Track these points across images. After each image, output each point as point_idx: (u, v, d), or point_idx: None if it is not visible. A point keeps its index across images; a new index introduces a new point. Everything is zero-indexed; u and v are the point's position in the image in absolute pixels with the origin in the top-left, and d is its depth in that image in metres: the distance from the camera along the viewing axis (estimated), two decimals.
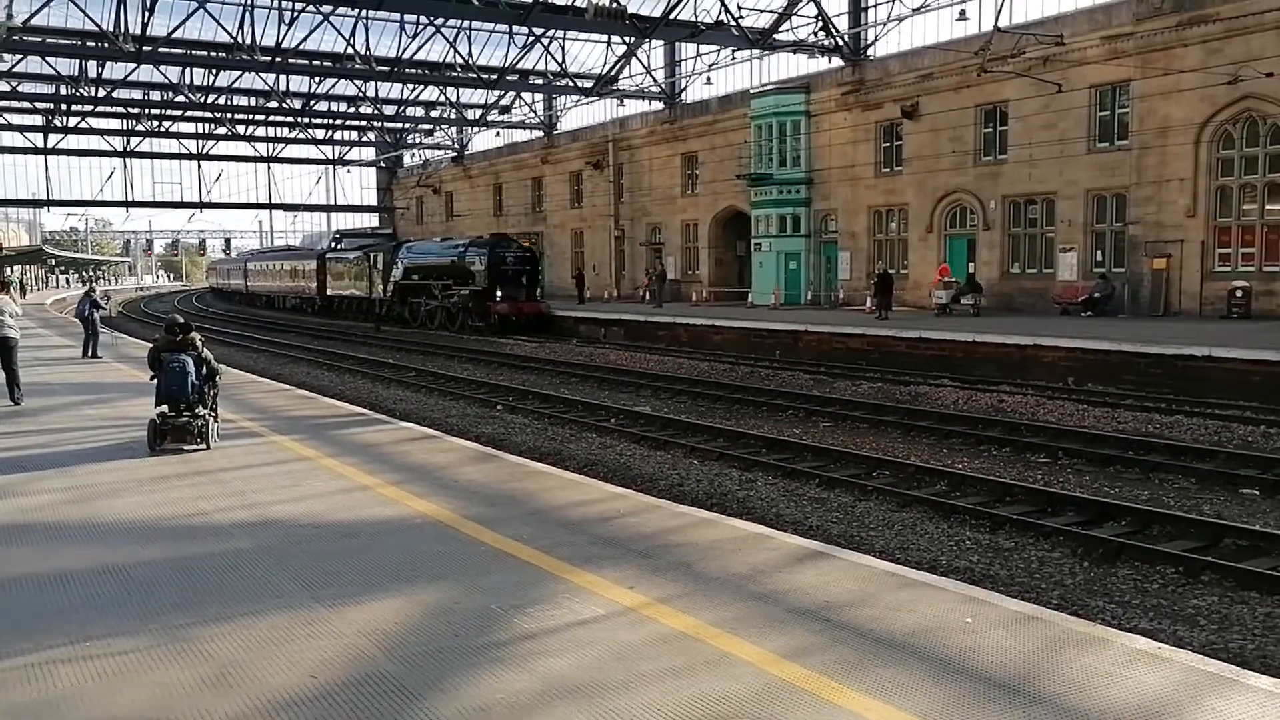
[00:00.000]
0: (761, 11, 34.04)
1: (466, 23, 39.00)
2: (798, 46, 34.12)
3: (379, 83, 47.35)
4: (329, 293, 50.25)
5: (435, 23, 37.49)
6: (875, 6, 34.60)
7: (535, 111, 52.54)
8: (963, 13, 27.47)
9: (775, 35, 33.86)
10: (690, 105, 43.67)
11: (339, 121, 58.24)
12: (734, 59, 38.04)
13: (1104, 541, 8.93)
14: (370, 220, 76.00)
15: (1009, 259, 31.00)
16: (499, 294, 34.93)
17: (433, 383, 22.59)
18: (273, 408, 14.85)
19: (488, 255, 35.78)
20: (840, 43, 34.17)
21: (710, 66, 38.58)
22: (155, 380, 11.21)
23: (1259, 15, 23.48)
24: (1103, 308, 26.85)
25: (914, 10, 29.96)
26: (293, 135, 61.46)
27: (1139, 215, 27.14)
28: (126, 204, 65.39)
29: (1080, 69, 27.22)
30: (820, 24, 33.01)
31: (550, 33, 39.07)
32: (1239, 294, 24.53)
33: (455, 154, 62.80)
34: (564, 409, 18.05)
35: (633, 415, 16.98)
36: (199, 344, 11.30)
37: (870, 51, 34.99)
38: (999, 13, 22.14)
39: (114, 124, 57.60)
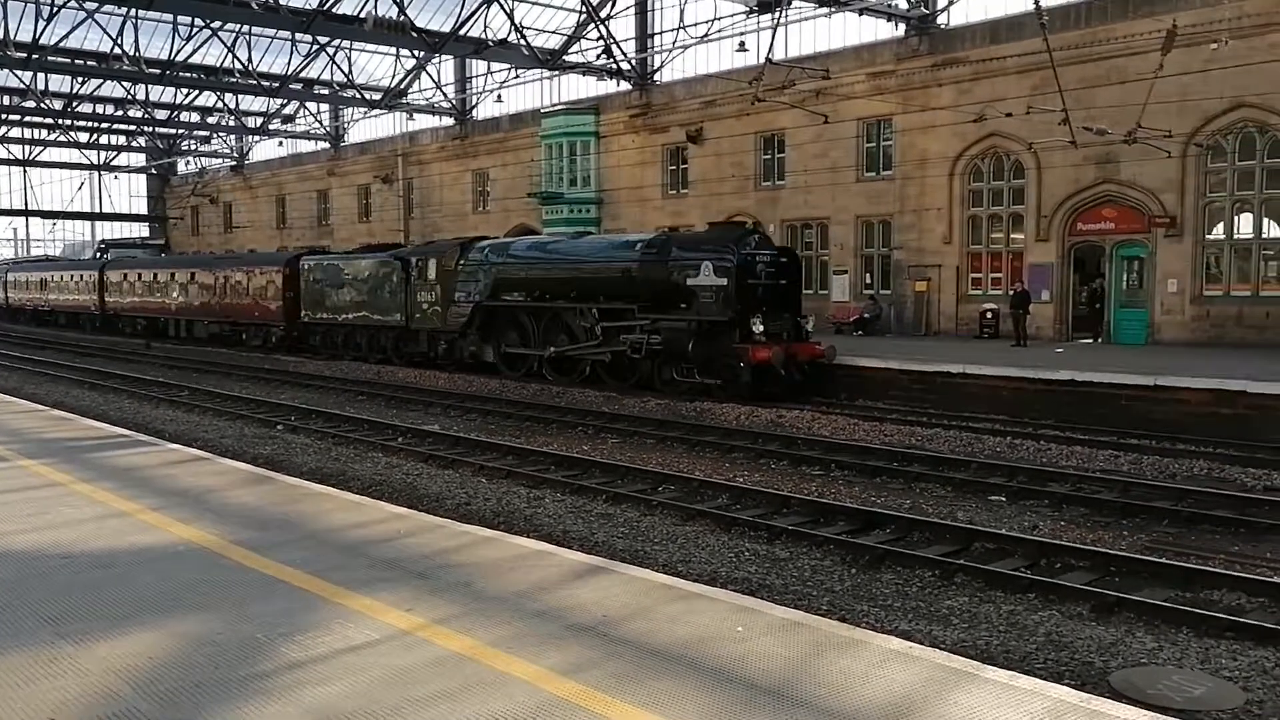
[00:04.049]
0: (551, 33, 34.40)
1: (246, 27, 37.40)
2: (586, 69, 34.65)
3: (150, 85, 44.66)
4: (307, 318, 32.60)
5: (211, 25, 35.76)
6: (661, 34, 35.58)
7: (321, 122, 50.92)
8: (742, 44, 28.66)
9: (565, 57, 34.23)
10: (481, 122, 43.50)
11: (105, 125, 54.51)
12: (518, 77, 38.01)
13: (870, 549, 9.42)
14: (140, 230, 71.42)
15: None
16: (759, 327, 20.02)
17: (207, 402, 21.45)
18: (22, 430, 13.69)
19: (732, 258, 20.14)
20: (628, 67, 34.92)
21: (501, 84, 38.57)
22: None
23: (1001, 60, 25.68)
24: (872, 327, 28.55)
25: (698, 39, 30.99)
26: (53, 138, 57.04)
27: (902, 241, 29.06)
28: None
29: (849, 103, 28.93)
30: (604, 49, 33.60)
31: (336, 42, 37.99)
32: (989, 316, 26.72)
33: (234, 163, 60.01)
34: (349, 428, 17.54)
35: (421, 434, 16.71)
36: None
37: (657, 77, 35.94)
38: (771, 46, 23.34)
39: None
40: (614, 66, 34.34)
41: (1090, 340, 25.79)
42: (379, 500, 10.04)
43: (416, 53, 37.64)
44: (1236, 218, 23.93)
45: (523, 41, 32.49)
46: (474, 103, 43.59)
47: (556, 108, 38.99)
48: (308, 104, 48.62)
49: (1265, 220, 23.46)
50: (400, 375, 25.87)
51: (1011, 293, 25.59)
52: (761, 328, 19.95)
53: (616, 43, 33.91)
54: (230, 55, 38.40)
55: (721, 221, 24.23)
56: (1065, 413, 17.38)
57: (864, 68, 29.32)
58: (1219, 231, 24.10)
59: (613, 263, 22.57)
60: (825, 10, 28.74)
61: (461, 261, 26.27)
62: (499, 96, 39.46)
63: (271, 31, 38.04)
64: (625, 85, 36.11)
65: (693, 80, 34.39)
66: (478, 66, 40.92)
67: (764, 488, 12.17)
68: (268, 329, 34.80)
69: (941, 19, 28.52)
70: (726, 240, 20.86)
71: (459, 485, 12.73)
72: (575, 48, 34.45)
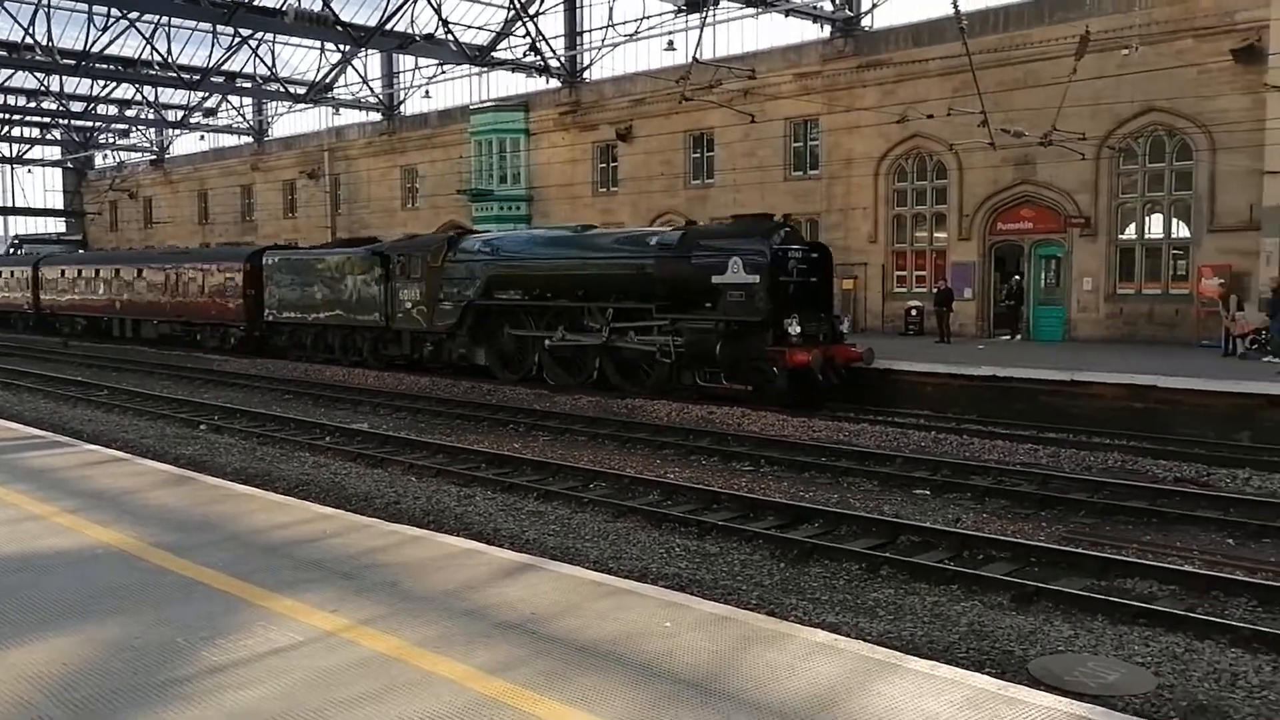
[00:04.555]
0: (479, 29, 34.19)
1: (164, 18, 36.43)
2: (515, 66, 34.49)
3: (64, 77, 43.26)
4: (271, 317, 30.29)
5: (128, 16, 34.79)
6: (590, 31, 35.58)
7: (244, 116, 49.88)
8: (670, 43, 28.79)
9: (493, 53, 34.02)
10: (410, 118, 43.07)
11: (17, 117, 52.72)
12: (444, 72, 37.70)
13: (799, 543, 9.54)
14: (56, 225, 69.27)
15: None
16: (795, 329, 18.40)
17: (127, 401, 20.92)
18: None
19: (765, 254, 18.51)
20: (556, 64, 34.84)
21: (429, 79, 38.19)
22: None
23: (924, 63, 26.22)
24: None
25: (626, 38, 31.06)
26: None
27: (829, 239, 29.34)
28: None
29: (776, 102, 29.25)
30: (530, 46, 33.45)
31: (259, 35, 37.24)
32: (913, 313, 27.23)
33: (154, 157, 58.50)
34: (275, 427, 17.27)
35: (349, 433, 16.51)
36: None
37: (586, 75, 35.93)
38: (699, 45, 23.55)
39: None
40: (542, 64, 34.22)
41: (1009, 337, 26.41)
42: (305, 500, 9.90)
43: (342, 46, 37.02)
44: (1147, 218, 24.71)
45: (450, 37, 32.20)
46: (402, 98, 43.09)
47: (486, 104, 38.76)
48: (230, 97, 47.58)
49: (1174, 221, 24.25)
50: (329, 373, 25.46)
51: (935, 290, 26.11)
52: (799, 329, 18.29)
53: (545, 39, 33.80)
54: (149, 47, 37.39)
55: (747, 214, 21.82)
56: (987, 408, 17.79)
57: (791, 68, 29.65)
58: (1131, 232, 24.84)
59: (626, 258, 20.76)
60: (752, 11, 29.00)
61: (450, 256, 24.12)
62: (427, 92, 39.08)
63: (191, 23, 37.12)
64: (555, 82, 36.02)
65: (622, 78, 34.45)
66: (405, 61, 40.47)
67: (695, 484, 12.23)
68: (226, 329, 32.57)
69: (866, 21, 28.95)
70: (755, 234, 19.10)
71: (388, 484, 12.61)
72: (504, 44, 34.24)
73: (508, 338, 23.04)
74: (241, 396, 22.07)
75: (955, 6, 18.63)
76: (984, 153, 23.62)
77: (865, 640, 6.35)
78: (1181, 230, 24.10)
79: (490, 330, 23.40)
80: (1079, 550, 9.21)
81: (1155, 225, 24.63)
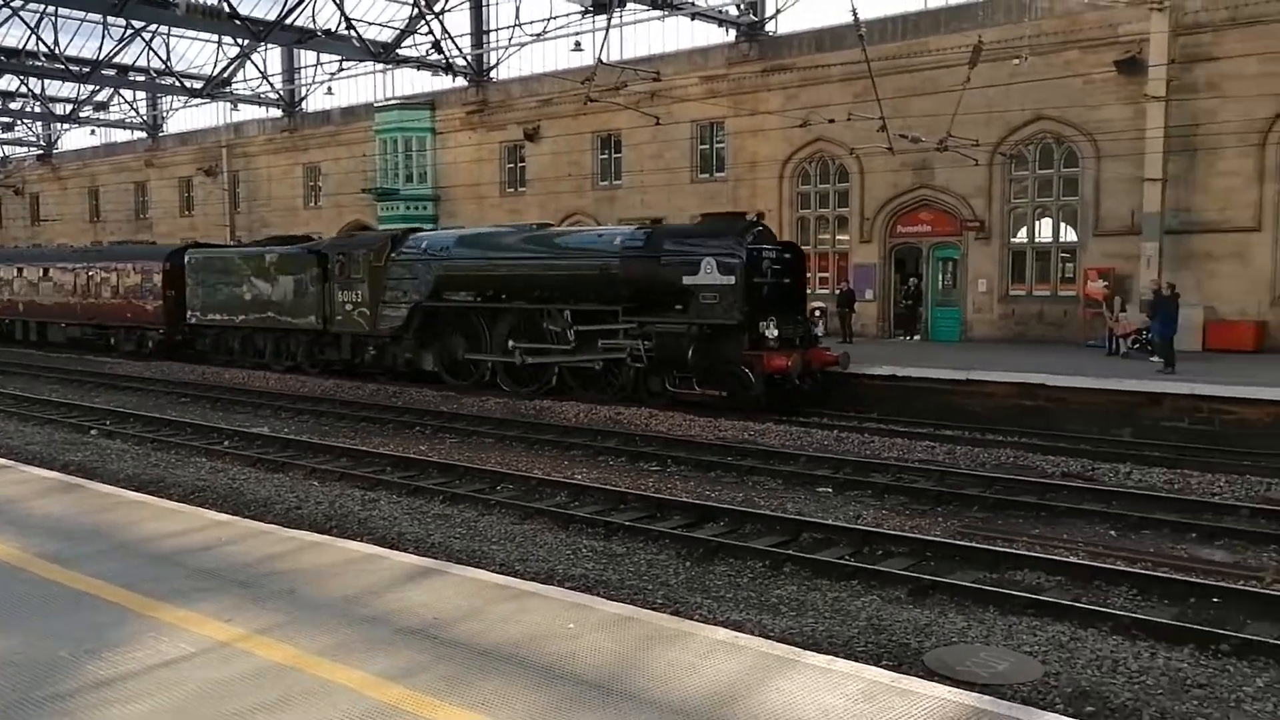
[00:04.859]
0: (383, 25, 33.66)
1: (50, 7, 34.92)
2: (421, 63, 34.01)
3: None
4: (194, 319, 28.86)
5: (12, 4, 33.34)
6: (496, 30, 35.34)
7: (137, 111, 48.21)
8: (578, 44, 28.77)
9: (398, 50, 33.52)
10: (312, 115, 42.20)
11: None
12: (343, 69, 36.90)
13: (704, 541, 9.65)
14: None
15: None
16: (772, 332, 17.88)
17: (11, 405, 20.13)
18: None
19: (740, 255, 17.82)
20: (462, 63, 34.50)
21: (332, 76, 37.38)
22: None
23: (826, 68, 26.75)
24: None
25: (533, 38, 30.94)
26: None
27: None
28: None
29: (683, 105, 29.49)
30: (434, 44, 33.03)
31: (153, 27, 35.99)
32: (817, 315, 27.54)
33: (41, 152, 56.19)
34: (170, 432, 16.85)
35: (249, 437, 16.17)
36: None
37: (493, 74, 35.68)
38: (605, 46, 23.66)
39: None
40: (446, 62, 33.83)
41: (906, 337, 27.05)
42: (200, 507, 9.67)
43: (239, 40, 36.00)
44: (1038, 222, 25.58)
45: (353, 33, 31.60)
46: (303, 94, 42.18)
47: (390, 102, 38.21)
48: (122, 91, 45.93)
49: (1063, 225, 25.14)
50: (227, 376, 24.81)
51: (838, 292, 26.62)
52: (776, 332, 17.73)
53: (451, 38, 33.39)
54: (34, 37, 35.86)
55: (717, 212, 20.77)
56: (887, 407, 18.20)
57: (696, 71, 29.92)
58: (1022, 235, 25.68)
59: (588, 258, 19.67)
60: (658, 13, 29.14)
61: (395, 256, 22.91)
62: (329, 89, 38.24)
63: (80, 13, 35.67)
64: (461, 81, 35.68)
65: (529, 78, 34.29)
66: (307, 57, 39.60)
67: (602, 484, 12.27)
68: (143, 332, 30.90)
69: (770, 26, 29.36)
70: (729, 233, 18.35)
71: (289, 489, 12.37)
72: (409, 41, 33.75)
73: (458, 342, 22.04)
74: (135, 400, 21.40)
75: (855, 14, 19.02)
76: (884, 157, 24.15)
77: (767, 637, 6.46)
78: (1069, 234, 24.99)
79: (439, 333, 22.39)
80: (973, 544, 9.50)
81: (1045, 229, 25.50)
